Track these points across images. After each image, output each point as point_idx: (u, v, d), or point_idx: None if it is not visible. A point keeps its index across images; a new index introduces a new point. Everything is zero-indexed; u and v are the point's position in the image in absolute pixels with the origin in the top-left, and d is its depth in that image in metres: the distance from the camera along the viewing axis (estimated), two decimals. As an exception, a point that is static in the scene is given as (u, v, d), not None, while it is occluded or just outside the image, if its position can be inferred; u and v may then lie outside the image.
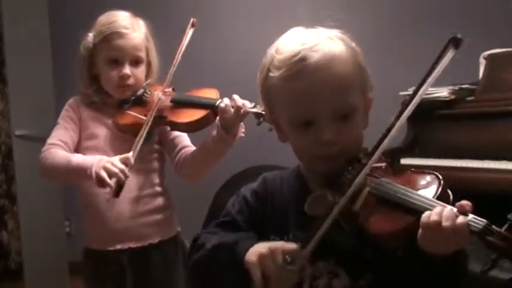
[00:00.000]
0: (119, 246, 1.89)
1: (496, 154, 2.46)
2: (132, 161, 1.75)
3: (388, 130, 1.06)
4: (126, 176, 1.71)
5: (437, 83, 2.74)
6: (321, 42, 1.13)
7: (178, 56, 1.91)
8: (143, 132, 1.81)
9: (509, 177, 2.35)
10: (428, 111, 2.75)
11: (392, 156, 2.76)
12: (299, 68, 1.10)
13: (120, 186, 1.72)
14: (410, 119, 3.17)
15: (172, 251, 1.97)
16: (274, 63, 1.14)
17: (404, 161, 2.75)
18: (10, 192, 3.39)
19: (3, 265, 3.33)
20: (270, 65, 1.15)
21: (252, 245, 1.08)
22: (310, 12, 3.49)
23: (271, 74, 1.15)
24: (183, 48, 1.92)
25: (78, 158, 1.82)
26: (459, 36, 1.03)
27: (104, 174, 1.69)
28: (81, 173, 1.77)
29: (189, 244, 1.25)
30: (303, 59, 1.10)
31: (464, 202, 0.96)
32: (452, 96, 2.68)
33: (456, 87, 2.70)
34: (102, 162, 1.72)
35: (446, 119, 2.72)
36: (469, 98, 2.70)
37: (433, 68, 1.04)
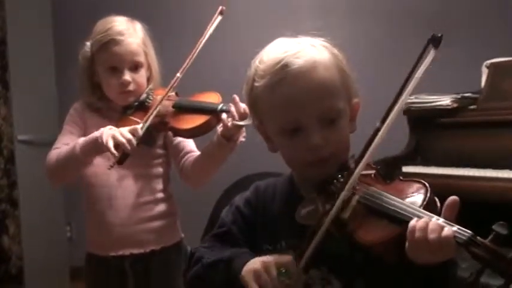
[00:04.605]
0: (120, 252, 1.89)
1: (498, 163, 2.46)
2: (140, 132, 1.76)
3: (373, 136, 1.05)
4: (133, 146, 1.73)
5: (438, 91, 2.75)
6: (303, 49, 1.13)
7: (201, 43, 1.88)
8: (154, 110, 1.82)
9: (510, 186, 2.35)
10: (430, 119, 2.76)
11: (394, 164, 2.76)
12: (282, 74, 1.11)
13: (125, 155, 1.74)
14: (412, 127, 3.16)
15: (175, 257, 1.96)
16: (258, 73, 1.15)
17: (406, 169, 2.75)
18: (12, 197, 3.38)
19: (4, 270, 3.32)
20: (254, 75, 1.16)
21: (246, 261, 1.09)
22: (311, 20, 3.50)
23: (256, 84, 1.15)
24: (207, 35, 1.89)
25: (83, 138, 1.83)
26: (439, 34, 1.03)
27: (110, 143, 1.70)
28: (90, 145, 1.77)
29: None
30: (286, 66, 1.11)
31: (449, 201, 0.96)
32: (455, 105, 2.68)
33: (458, 96, 2.71)
34: (112, 130, 1.75)
35: (449, 127, 2.72)
36: (471, 107, 2.70)
37: (413, 71, 1.04)
